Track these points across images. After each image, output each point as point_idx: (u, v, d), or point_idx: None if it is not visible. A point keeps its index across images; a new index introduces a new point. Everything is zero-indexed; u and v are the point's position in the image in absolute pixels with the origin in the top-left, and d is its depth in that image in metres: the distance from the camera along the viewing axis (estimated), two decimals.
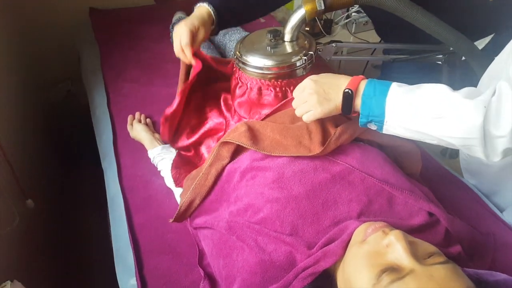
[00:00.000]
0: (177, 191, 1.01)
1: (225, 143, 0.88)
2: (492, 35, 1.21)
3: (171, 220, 0.88)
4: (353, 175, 0.81)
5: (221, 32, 1.62)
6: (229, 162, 0.88)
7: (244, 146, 0.84)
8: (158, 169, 1.10)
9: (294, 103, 0.86)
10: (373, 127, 0.77)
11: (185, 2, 1.95)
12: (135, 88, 1.46)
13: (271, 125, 0.87)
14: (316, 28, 2.23)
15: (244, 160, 0.86)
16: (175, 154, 1.12)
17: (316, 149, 0.81)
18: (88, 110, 1.51)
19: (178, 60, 1.58)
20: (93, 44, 1.77)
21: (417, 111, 0.70)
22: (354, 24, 2.23)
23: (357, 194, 0.79)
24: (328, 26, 2.25)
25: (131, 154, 1.21)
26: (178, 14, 1.77)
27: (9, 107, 1.45)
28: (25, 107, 1.67)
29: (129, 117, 1.29)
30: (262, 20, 1.92)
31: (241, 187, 0.83)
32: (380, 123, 0.75)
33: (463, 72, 1.27)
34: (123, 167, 1.17)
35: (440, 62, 1.29)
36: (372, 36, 2.15)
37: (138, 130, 1.20)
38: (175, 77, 1.49)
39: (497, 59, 0.81)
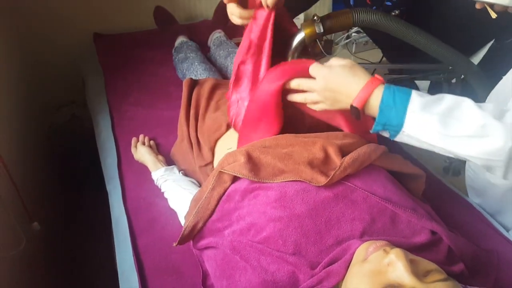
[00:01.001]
0: (181, 212, 1.02)
1: None
2: (490, 45, 1.22)
3: (175, 244, 0.88)
4: (355, 194, 0.81)
5: (223, 54, 1.67)
6: (231, 184, 0.89)
7: (246, 178, 0.84)
8: (162, 191, 1.11)
9: (303, 97, 0.85)
10: (385, 134, 0.75)
11: (187, 26, 2.00)
12: (139, 111, 1.49)
13: (272, 151, 0.88)
14: (317, 48, 2.27)
15: (245, 180, 0.87)
16: (178, 175, 1.13)
17: (320, 180, 0.80)
18: (92, 133, 1.53)
19: (181, 83, 1.61)
20: (97, 68, 1.81)
21: (439, 127, 0.66)
22: (354, 44, 2.27)
23: (360, 213, 0.79)
24: (329, 47, 2.29)
25: (135, 176, 1.22)
26: (180, 39, 1.81)
27: (13, 131, 1.47)
28: (29, 131, 1.69)
29: (133, 140, 1.31)
30: None
31: (243, 206, 0.84)
32: (395, 132, 0.71)
33: (464, 90, 1.29)
34: (127, 190, 1.18)
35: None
36: (373, 56, 2.19)
37: (142, 153, 1.22)
38: (178, 100, 1.52)
39: (505, 78, 0.81)
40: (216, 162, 1.10)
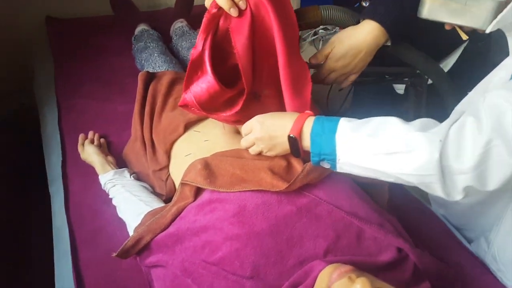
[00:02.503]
0: (130, 223, 0.92)
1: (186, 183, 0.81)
2: (463, 47, 1.19)
3: (114, 254, 0.79)
4: (320, 208, 0.76)
5: (185, 46, 1.55)
6: (193, 201, 0.80)
7: (200, 186, 0.77)
8: (110, 197, 1.01)
9: (243, 143, 0.83)
10: (326, 165, 0.72)
11: (148, 14, 1.87)
12: (90, 104, 1.36)
13: (231, 160, 0.82)
14: None
15: (204, 195, 0.79)
16: (128, 180, 1.03)
17: (280, 185, 0.75)
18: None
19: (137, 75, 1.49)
20: (48, 54, 1.65)
21: (368, 148, 0.65)
22: (321, 42, 2.21)
23: (324, 229, 0.74)
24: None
25: (81, 178, 1.11)
26: (141, 26, 1.68)
27: None
28: None
29: (80, 136, 1.19)
30: None
31: (197, 220, 0.76)
32: (333, 162, 0.70)
33: (430, 97, 1.26)
34: (72, 194, 1.07)
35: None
36: None
37: (89, 152, 1.11)
38: (135, 93, 1.40)
39: (472, 92, 0.78)
40: (172, 167, 1.00)
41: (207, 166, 0.80)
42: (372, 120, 0.68)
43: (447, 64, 1.23)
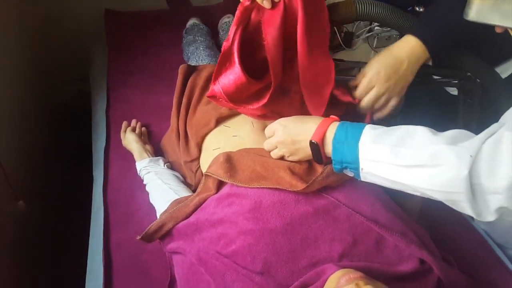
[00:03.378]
0: (159, 209, 0.96)
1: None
2: None
3: (138, 237, 0.83)
4: (338, 211, 0.74)
5: None
6: (215, 193, 0.82)
7: (221, 179, 0.79)
8: (144, 183, 1.06)
9: (265, 146, 0.82)
10: (349, 173, 0.70)
11: (200, 8, 1.91)
12: (136, 94, 1.43)
13: (253, 156, 0.82)
14: (336, 40, 2.15)
15: (224, 188, 0.81)
16: (161, 168, 1.07)
17: (298, 185, 0.74)
18: None
19: None
20: (104, 45, 1.75)
21: (391, 159, 0.61)
22: (376, 39, 2.13)
23: (341, 232, 0.72)
24: (349, 40, 2.16)
25: (120, 163, 1.17)
26: (192, 20, 1.73)
27: (10, 105, 1.44)
28: (29, 106, 1.66)
29: (124, 124, 1.25)
30: None
31: (215, 212, 0.78)
32: (356, 170, 0.67)
33: (482, 103, 1.17)
34: (111, 179, 1.13)
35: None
36: None
37: (129, 140, 1.17)
38: None
39: None
40: (202, 160, 1.03)
41: (229, 160, 0.81)
42: (399, 128, 0.64)
43: (505, 69, 1.14)
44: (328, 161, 0.73)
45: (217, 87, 0.81)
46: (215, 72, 0.82)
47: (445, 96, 1.34)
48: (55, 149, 1.92)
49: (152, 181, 1.03)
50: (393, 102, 0.86)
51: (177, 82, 1.21)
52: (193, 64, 1.34)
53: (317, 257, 0.70)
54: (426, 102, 1.42)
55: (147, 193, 1.03)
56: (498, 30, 0.74)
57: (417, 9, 1.29)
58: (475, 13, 0.72)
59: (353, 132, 0.66)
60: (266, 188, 0.76)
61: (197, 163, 1.04)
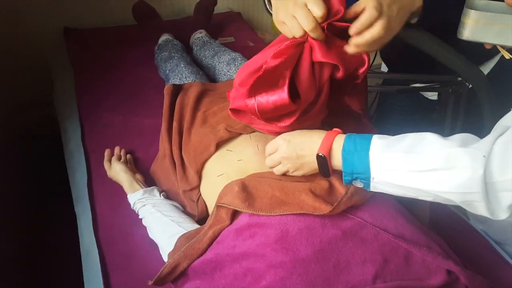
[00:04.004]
0: (163, 245, 0.88)
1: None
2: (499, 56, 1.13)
3: (150, 283, 0.75)
4: (365, 231, 0.71)
5: (209, 54, 1.52)
6: (230, 224, 0.76)
7: (239, 210, 0.73)
8: (140, 217, 0.97)
9: (267, 162, 0.80)
10: (359, 184, 0.68)
11: (171, 23, 1.83)
12: (114, 118, 1.32)
13: (270, 181, 0.77)
14: None
15: (242, 218, 0.75)
16: (158, 199, 0.98)
17: (323, 208, 0.70)
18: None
19: (164, 85, 1.46)
20: (68, 65, 1.62)
21: (404, 165, 0.61)
22: None
23: (371, 253, 0.69)
24: None
25: (108, 197, 1.07)
26: (165, 36, 1.65)
27: None
28: None
29: (106, 152, 1.15)
30: (251, 43, 1.82)
31: (237, 245, 0.72)
32: (367, 180, 0.66)
33: (468, 108, 1.20)
34: (99, 215, 1.02)
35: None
36: None
37: (116, 170, 1.06)
38: (160, 106, 1.36)
39: None
40: (204, 188, 0.96)
41: (245, 188, 0.76)
42: (407, 136, 0.64)
43: (486, 67, 1.17)
44: (335, 174, 0.72)
45: (252, 103, 0.77)
46: (251, 88, 0.75)
47: (421, 101, 1.36)
48: (21, 182, 1.74)
49: (150, 215, 0.94)
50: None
51: (164, 103, 1.13)
52: (177, 83, 1.26)
53: (352, 281, 0.66)
54: (403, 108, 1.44)
55: (145, 228, 0.94)
56: (487, 46, 0.79)
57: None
58: (469, 32, 0.77)
59: (361, 142, 0.66)
60: (289, 214, 0.71)
61: (198, 191, 0.97)
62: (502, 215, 0.57)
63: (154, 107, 1.38)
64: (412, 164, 0.60)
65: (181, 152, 1.02)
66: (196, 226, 0.92)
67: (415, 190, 0.63)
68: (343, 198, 0.71)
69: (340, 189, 0.75)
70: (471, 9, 0.76)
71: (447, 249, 0.79)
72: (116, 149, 1.17)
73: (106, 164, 1.11)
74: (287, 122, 0.78)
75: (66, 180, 1.23)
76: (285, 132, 0.80)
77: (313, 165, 0.73)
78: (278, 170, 0.79)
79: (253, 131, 0.97)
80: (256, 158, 0.90)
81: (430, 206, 0.88)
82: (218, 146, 0.96)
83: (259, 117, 0.77)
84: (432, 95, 1.35)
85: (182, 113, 1.10)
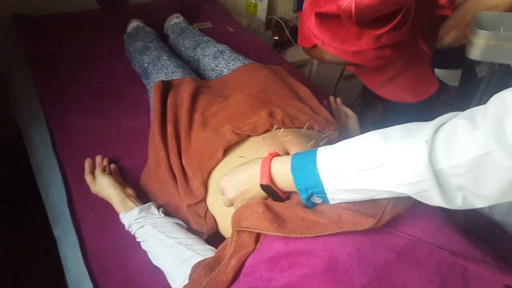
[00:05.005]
0: (170, 273, 0.76)
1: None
2: None
3: None
4: (419, 249, 0.63)
5: (190, 45, 1.36)
6: (255, 248, 0.65)
7: (267, 233, 0.62)
8: (138, 240, 0.83)
9: (224, 205, 0.76)
10: (317, 200, 0.65)
11: (140, 6, 1.64)
12: (88, 121, 1.15)
13: (295, 204, 0.67)
14: (284, 36, 2.03)
15: (271, 243, 0.64)
16: (157, 217, 0.85)
17: (364, 222, 0.61)
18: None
19: (139, 79, 1.30)
20: (23, 61, 1.40)
21: (352, 167, 0.59)
22: None
23: (429, 274, 0.62)
24: (296, 34, 2.07)
25: (96, 216, 0.91)
26: (134, 23, 1.47)
27: None
28: None
29: (87, 163, 0.99)
30: (231, 29, 1.68)
31: (274, 278, 0.61)
32: (323, 194, 0.63)
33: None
34: (88, 239, 0.87)
35: None
36: None
37: (103, 185, 0.91)
38: (139, 103, 1.22)
39: None
40: (211, 200, 0.84)
41: (270, 209, 0.65)
42: (350, 139, 0.63)
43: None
44: (287, 195, 0.70)
45: (347, 2, 0.69)
46: None
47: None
48: None
49: (152, 237, 0.80)
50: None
51: (153, 103, 0.98)
52: (163, 79, 1.11)
53: None
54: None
55: (145, 252, 0.81)
56: None
57: None
58: (479, 53, 0.75)
59: (308, 155, 0.64)
60: (329, 235, 0.61)
61: (204, 204, 0.85)
62: (457, 202, 0.55)
63: (133, 106, 1.23)
64: (359, 164, 0.58)
65: (181, 160, 0.88)
66: (208, 247, 0.80)
67: (370, 191, 0.60)
68: (385, 208, 0.62)
69: (380, 199, 0.66)
70: (480, 28, 0.74)
71: (496, 259, 0.73)
72: (98, 159, 1.01)
73: (88, 178, 0.95)
74: (382, 29, 0.72)
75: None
76: (356, 61, 0.78)
77: (262, 194, 0.70)
78: (235, 207, 0.73)
79: (265, 132, 0.86)
80: None
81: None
82: (226, 151, 0.84)
83: (352, 20, 0.70)
84: (453, 82, 1.30)
85: (177, 114, 0.96)
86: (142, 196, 0.94)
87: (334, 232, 0.61)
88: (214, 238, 0.84)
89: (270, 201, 0.68)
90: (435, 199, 0.55)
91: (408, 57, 0.82)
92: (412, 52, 0.82)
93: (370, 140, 0.60)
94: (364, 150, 0.59)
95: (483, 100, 1.12)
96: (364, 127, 1.13)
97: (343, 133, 1.01)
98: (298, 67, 1.96)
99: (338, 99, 1.20)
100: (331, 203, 0.64)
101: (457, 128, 0.53)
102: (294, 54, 2.00)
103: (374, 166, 0.57)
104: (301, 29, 0.87)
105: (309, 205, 0.66)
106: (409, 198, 0.66)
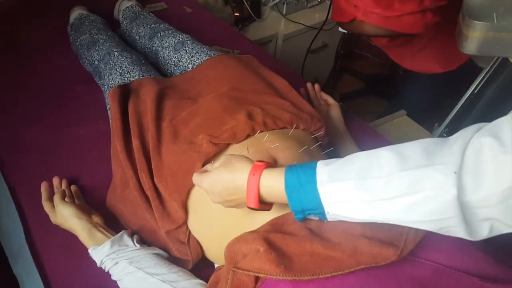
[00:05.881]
0: None
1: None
2: None
3: None
4: (446, 278, 0.57)
5: (145, 33, 1.21)
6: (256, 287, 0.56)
7: (275, 278, 0.54)
8: (113, 278, 0.73)
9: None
10: (314, 218, 0.58)
11: None
12: (37, 132, 1.00)
13: (298, 227, 0.59)
14: (245, 11, 1.89)
15: (276, 284, 0.55)
16: (133, 250, 0.75)
17: (385, 254, 0.54)
18: None
19: (90, 76, 1.15)
20: None
21: (360, 195, 0.50)
22: (285, 5, 1.95)
23: None
24: (257, 9, 1.94)
25: (61, 251, 0.80)
26: (77, 11, 1.29)
27: None
28: None
29: (44, 189, 0.85)
30: (188, 9, 1.52)
31: None
32: (322, 215, 0.56)
33: None
34: (52, 278, 0.76)
35: None
36: (306, 17, 1.92)
37: (65, 216, 0.78)
38: (96, 106, 1.08)
39: None
40: (193, 223, 0.74)
41: (272, 245, 0.56)
42: (357, 156, 0.54)
43: None
44: (267, 207, 0.61)
45: None
46: None
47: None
48: None
49: (129, 276, 0.71)
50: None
51: (112, 113, 0.86)
52: (118, 80, 0.97)
53: None
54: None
55: None
56: None
57: None
58: (475, 47, 0.69)
59: (305, 173, 0.55)
60: (345, 274, 0.54)
61: (185, 228, 0.75)
62: (483, 233, 0.48)
63: (87, 109, 1.08)
64: (368, 193, 0.50)
65: (153, 180, 0.78)
66: (196, 281, 0.71)
67: (381, 220, 0.52)
68: (408, 235, 0.55)
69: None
70: (473, 17, 0.68)
71: None
72: (55, 181, 0.88)
73: (46, 206, 0.82)
74: None
75: None
76: (398, 28, 0.77)
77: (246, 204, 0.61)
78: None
79: (247, 137, 0.76)
80: None
81: None
82: (204, 165, 0.74)
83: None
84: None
85: (141, 125, 0.84)
86: (111, 221, 0.83)
87: (352, 270, 0.53)
88: (201, 264, 0.76)
89: (271, 235, 0.59)
90: (459, 234, 0.49)
91: (440, 27, 0.80)
92: (446, 21, 0.80)
93: (382, 162, 0.51)
94: (375, 175, 0.50)
95: None
96: (348, 118, 1.06)
97: (327, 125, 0.93)
98: (263, 45, 1.85)
99: (317, 86, 1.11)
100: (329, 220, 0.56)
101: (484, 150, 0.45)
102: (258, 31, 1.88)
103: (387, 197, 0.49)
104: (336, 4, 0.86)
105: (302, 220, 0.59)
106: None
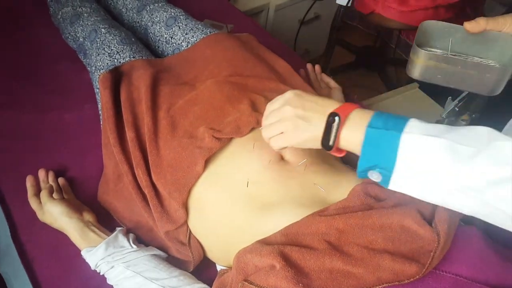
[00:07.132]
0: None
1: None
2: None
3: None
4: None
5: (133, 6, 1.11)
6: None
7: None
8: (109, 283, 0.68)
9: (265, 121, 0.61)
10: (374, 176, 0.51)
11: None
12: (19, 118, 0.92)
13: (318, 240, 0.55)
14: None
15: None
16: (129, 251, 0.70)
17: (408, 270, 0.51)
18: None
19: (74, 54, 1.06)
20: None
21: (453, 158, 0.45)
22: None
23: None
24: None
25: (50, 248, 0.75)
26: None
27: None
28: None
29: (30, 184, 0.78)
30: None
31: None
32: (387, 172, 0.50)
33: None
34: (43, 280, 0.71)
35: None
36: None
37: (54, 215, 0.72)
38: (82, 87, 1.00)
39: None
40: (194, 223, 0.70)
41: (289, 261, 0.53)
42: (459, 127, 0.49)
43: None
44: (338, 154, 0.55)
45: None
46: None
47: None
48: None
49: (126, 281, 0.66)
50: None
51: (102, 102, 0.79)
52: (107, 62, 0.89)
53: None
54: None
55: None
56: None
57: None
58: (418, 72, 0.72)
59: (395, 120, 0.50)
60: None
61: (186, 228, 0.71)
62: None
63: (74, 91, 1.00)
64: (461, 154, 0.45)
65: (150, 176, 0.72)
66: (199, 285, 0.67)
67: (455, 193, 0.47)
68: (435, 252, 0.51)
69: (420, 232, 0.54)
70: (426, 38, 0.72)
71: None
72: (41, 174, 0.81)
73: (33, 203, 0.75)
74: None
75: None
76: (412, 22, 0.84)
77: (317, 130, 0.54)
78: (269, 131, 0.59)
79: (251, 130, 0.71)
80: (268, 174, 0.66)
81: None
82: (207, 162, 0.69)
83: None
84: None
85: (136, 114, 0.78)
86: (103, 217, 0.78)
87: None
88: (201, 264, 0.72)
89: (288, 248, 0.55)
90: None
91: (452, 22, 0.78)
92: (459, 18, 0.83)
93: (483, 133, 0.47)
94: (475, 145, 0.46)
95: None
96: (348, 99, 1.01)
97: None
98: (254, 15, 1.75)
99: (317, 67, 1.05)
100: (389, 188, 0.51)
101: None
102: (249, 0, 1.77)
103: (494, 178, 0.44)
104: None
105: (362, 176, 0.53)
106: (453, 221, 0.56)
